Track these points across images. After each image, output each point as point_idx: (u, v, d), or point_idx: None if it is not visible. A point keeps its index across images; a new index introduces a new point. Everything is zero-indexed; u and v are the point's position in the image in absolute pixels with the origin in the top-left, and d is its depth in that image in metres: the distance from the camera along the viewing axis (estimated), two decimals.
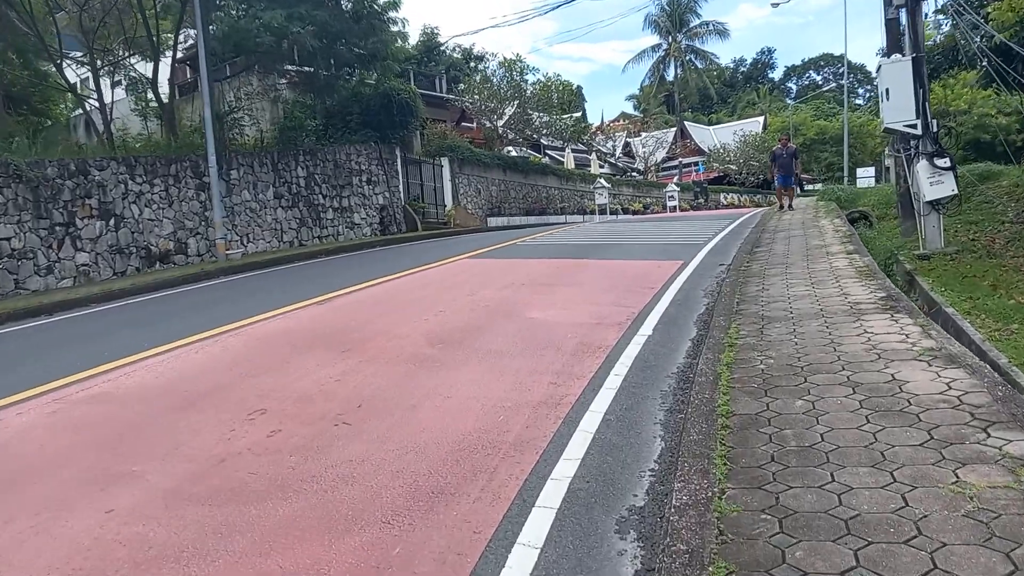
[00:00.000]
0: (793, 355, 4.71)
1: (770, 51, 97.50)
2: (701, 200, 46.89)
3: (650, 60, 53.05)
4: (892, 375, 4.02)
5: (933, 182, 12.00)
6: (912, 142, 12.17)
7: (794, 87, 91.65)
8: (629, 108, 78.73)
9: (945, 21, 14.25)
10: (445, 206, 27.95)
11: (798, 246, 10.13)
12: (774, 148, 20.18)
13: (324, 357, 5.86)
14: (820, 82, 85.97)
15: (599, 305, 7.66)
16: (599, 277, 9.67)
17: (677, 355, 5.63)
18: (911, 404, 3.58)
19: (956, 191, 11.88)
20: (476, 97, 29.82)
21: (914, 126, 11.85)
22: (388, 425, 4.29)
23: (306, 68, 24.27)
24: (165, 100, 19.37)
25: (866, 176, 35.72)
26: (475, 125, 33.93)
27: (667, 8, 50.41)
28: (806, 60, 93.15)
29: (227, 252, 15.46)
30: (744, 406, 3.85)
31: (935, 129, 11.87)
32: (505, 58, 30.33)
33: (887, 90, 11.98)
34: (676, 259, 10.82)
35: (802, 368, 4.37)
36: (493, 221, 29.07)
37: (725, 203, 48.82)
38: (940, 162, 11.83)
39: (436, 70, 39.82)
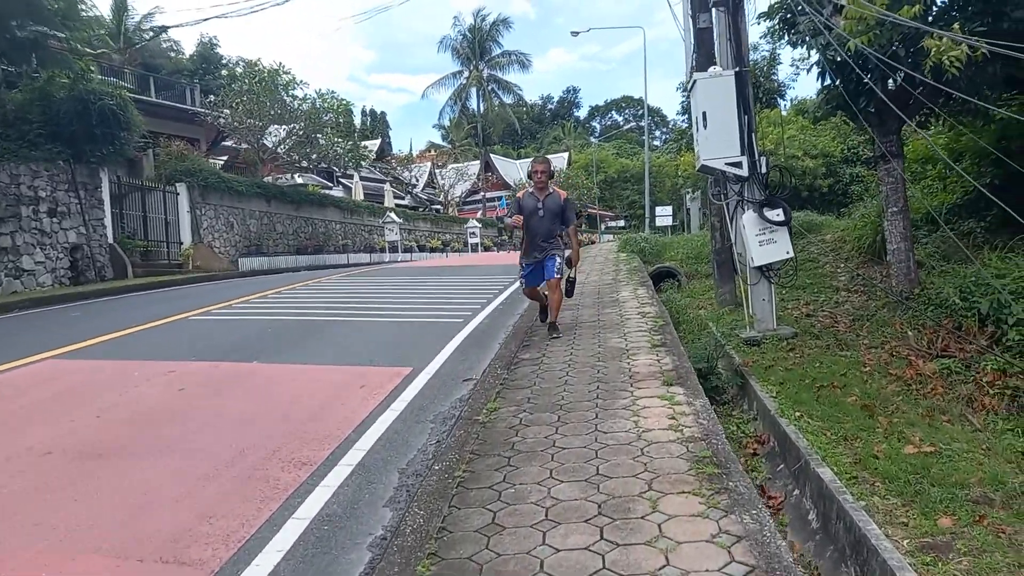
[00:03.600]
0: None
1: (575, 90, 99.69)
2: (506, 237, 43.99)
3: (451, 87, 49.85)
4: None
5: (763, 241, 8.86)
6: (736, 186, 9.04)
7: (598, 126, 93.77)
8: (439, 138, 75.58)
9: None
10: (182, 244, 22.19)
11: (587, 354, 6.27)
12: (519, 193, 8.10)
13: None
14: (621, 122, 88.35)
15: (125, 559, 3.19)
16: (237, 419, 5.20)
17: None
18: None
19: (791, 253, 8.85)
20: (227, 112, 24.32)
21: (739, 164, 8.69)
22: None
23: None
24: None
25: (664, 215, 34.37)
26: (243, 147, 28.28)
27: (468, 35, 47.62)
28: (608, 101, 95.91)
29: None
30: None
31: (764, 169, 8.79)
32: (260, 65, 25.13)
33: (704, 114, 8.72)
34: (402, 364, 6.65)
35: None
36: (247, 263, 23.63)
37: None
38: (772, 214, 8.74)
39: (213, 83, 33.65)
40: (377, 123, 74.96)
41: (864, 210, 11.93)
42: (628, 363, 5.71)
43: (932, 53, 6.96)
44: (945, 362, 7.26)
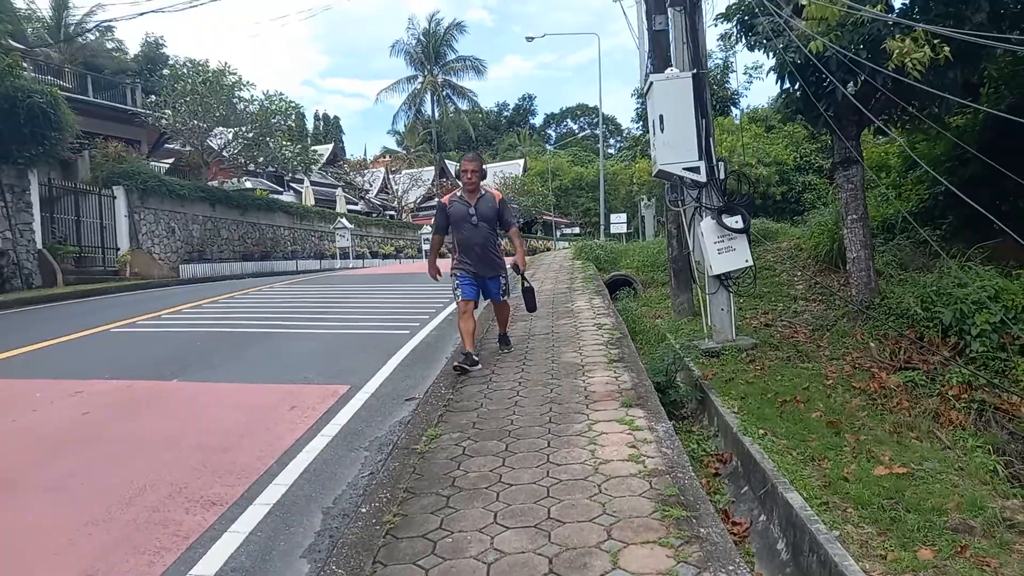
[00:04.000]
0: None
1: (531, 98, 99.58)
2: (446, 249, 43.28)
3: (406, 92, 49.14)
4: None
5: (722, 249, 8.55)
6: (693, 192, 8.72)
7: (554, 134, 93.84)
8: (393, 144, 74.55)
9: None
10: (119, 250, 21.11)
11: (540, 370, 5.82)
12: (445, 198, 6.58)
13: None
14: (576, 130, 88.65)
15: None
16: (145, 448, 4.61)
17: None
18: None
19: (751, 262, 8.57)
20: (169, 112, 23.33)
21: (697, 169, 8.38)
22: None
23: None
24: None
25: (619, 222, 34.28)
26: (188, 150, 27.15)
27: (422, 39, 47.02)
28: (564, 109, 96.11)
29: None
30: None
31: (722, 174, 8.50)
32: (205, 65, 24.22)
33: (661, 117, 8.38)
34: (340, 381, 6.12)
35: None
36: (189, 269, 22.64)
37: None
38: (730, 221, 8.43)
39: (159, 83, 32.26)
40: (330, 128, 73.70)
41: (820, 217, 11.78)
42: (584, 381, 5.28)
43: (895, 55, 6.76)
44: (909, 374, 7.03)
